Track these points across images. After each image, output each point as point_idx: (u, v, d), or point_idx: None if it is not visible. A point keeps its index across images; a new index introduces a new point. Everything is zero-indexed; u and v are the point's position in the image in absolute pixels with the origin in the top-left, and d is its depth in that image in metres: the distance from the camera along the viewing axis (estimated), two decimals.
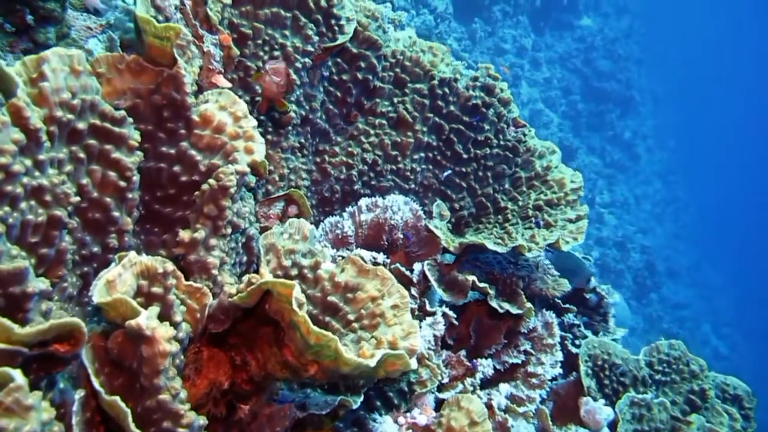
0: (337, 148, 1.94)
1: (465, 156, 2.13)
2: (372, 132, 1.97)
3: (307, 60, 1.70)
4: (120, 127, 1.06)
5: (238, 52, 1.49)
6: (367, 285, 1.33)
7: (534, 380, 2.00)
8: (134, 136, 1.08)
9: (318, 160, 1.93)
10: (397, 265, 1.95)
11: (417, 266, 1.93)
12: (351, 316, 1.30)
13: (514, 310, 1.91)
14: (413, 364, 1.10)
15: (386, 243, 1.98)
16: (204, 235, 1.11)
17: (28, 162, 0.89)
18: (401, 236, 1.97)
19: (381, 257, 1.86)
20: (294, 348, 1.07)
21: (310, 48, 1.69)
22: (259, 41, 1.62)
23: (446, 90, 2.01)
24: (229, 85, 1.40)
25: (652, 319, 10.72)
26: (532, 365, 2.04)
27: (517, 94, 9.60)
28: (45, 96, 0.94)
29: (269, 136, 1.70)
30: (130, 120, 1.08)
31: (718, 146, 24.03)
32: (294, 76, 1.62)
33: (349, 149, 1.94)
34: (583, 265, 2.43)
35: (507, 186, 2.27)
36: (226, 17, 1.50)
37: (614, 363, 2.45)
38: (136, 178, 1.09)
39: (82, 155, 1.03)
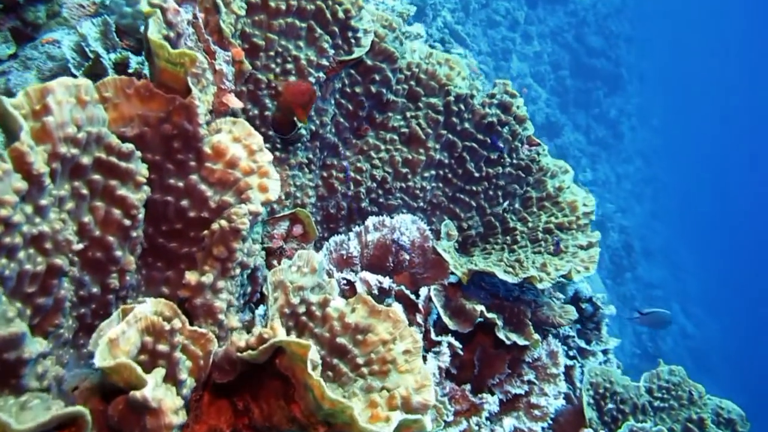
0: (345, 163, 1.88)
1: (477, 175, 2.08)
2: (383, 147, 1.91)
3: (321, 74, 1.63)
4: (127, 162, 0.99)
5: (251, 67, 1.43)
6: (379, 327, 1.28)
7: (537, 412, 1.97)
8: (141, 171, 1.02)
9: (325, 174, 1.86)
10: (402, 288, 1.90)
11: (423, 291, 1.89)
12: (360, 360, 1.25)
13: (521, 342, 1.87)
14: (428, 425, 1.05)
15: (392, 265, 1.93)
16: (212, 279, 1.05)
17: (29, 209, 0.83)
18: (407, 258, 1.92)
19: (387, 281, 1.81)
20: (304, 407, 1.02)
21: (324, 62, 1.62)
22: (272, 53, 1.55)
23: (461, 106, 1.95)
24: (241, 105, 1.34)
25: (625, 298, 10.86)
26: (535, 395, 2.00)
27: (507, 68, 9.57)
28: (49, 131, 0.87)
29: (277, 153, 1.64)
30: (138, 154, 1.01)
31: (700, 127, 24.32)
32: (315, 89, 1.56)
33: (358, 165, 1.88)
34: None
35: (517, 206, 2.22)
36: (239, 28, 1.43)
37: (615, 391, 2.43)
38: (141, 215, 1.03)
39: (84, 191, 0.96)
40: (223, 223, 1.04)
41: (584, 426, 2.17)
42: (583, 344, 2.59)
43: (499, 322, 1.84)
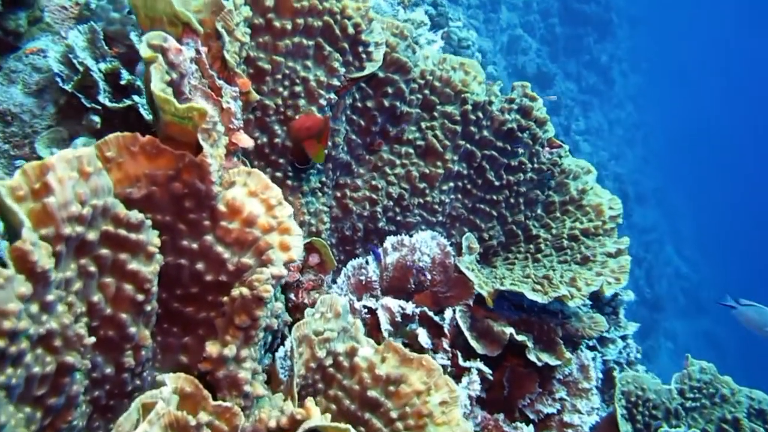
0: (359, 181, 1.80)
1: (497, 183, 2.00)
2: (398, 162, 1.84)
3: (332, 96, 1.55)
4: (137, 233, 0.92)
5: (258, 97, 1.34)
6: (412, 377, 1.22)
7: (570, 431, 1.92)
8: (153, 241, 0.94)
9: (338, 194, 1.79)
10: (425, 309, 1.84)
11: (448, 313, 1.82)
12: (393, 414, 1.20)
13: (553, 362, 1.81)
14: None
15: (413, 286, 1.86)
16: (235, 351, 0.99)
17: (35, 308, 0.76)
18: (429, 278, 1.86)
19: (410, 307, 1.74)
20: None
21: (335, 81, 1.53)
22: (279, 76, 1.47)
23: (480, 114, 1.87)
24: (252, 143, 1.26)
25: None
26: (567, 413, 1.95)
27: (497, 19, 9.44)
28: (51, 213, 0.80)
29: (289, 181, 1.56)
30: (149, 223, 0.94)
31: (690, 70, 24.21)
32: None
33: (373, 182, 1.81)
34: None
35: (539, 212, 2.15)
36: (243, 55, 1.35)
37: (648, 398, 2.38)
38: (155, 288, 0.96)
39: (92, 269, 0.89)
40: (245, 291, 0.97)
41: None
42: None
43: (530, 344, 1.78)
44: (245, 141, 1.25)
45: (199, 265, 1.03)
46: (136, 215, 0.92)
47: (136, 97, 1.49)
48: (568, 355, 1.84)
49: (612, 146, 12.75)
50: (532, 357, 1.78)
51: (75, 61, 1.64)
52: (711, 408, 2.66)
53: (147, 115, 1.45)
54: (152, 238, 0.94)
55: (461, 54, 4.78)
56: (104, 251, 0.90)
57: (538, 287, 1.80)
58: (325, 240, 1.75)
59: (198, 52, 1.19)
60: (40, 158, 1.33)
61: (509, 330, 1.75)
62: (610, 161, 11.73)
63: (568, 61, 11.48)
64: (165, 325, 1.08)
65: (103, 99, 1.50)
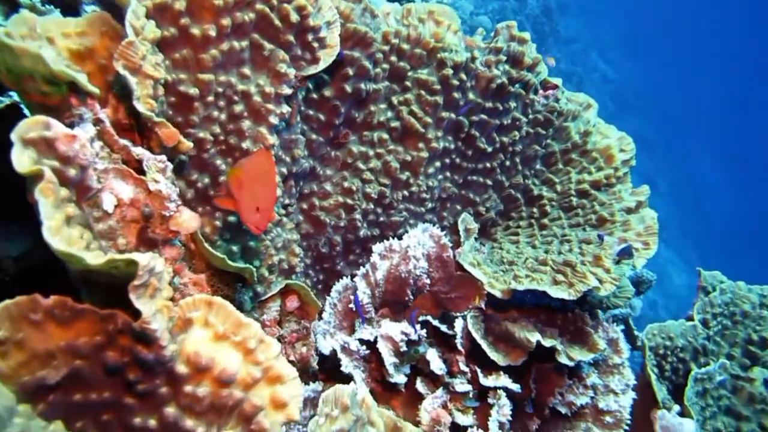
0: (328, 186, 1.53)
1: (489, 149, 1.75)
2: (371, 153, 1.56)
3: (284, 109, 1.24)
4: None
5: (190, 145, 1.05)
6: None
7: (608, 419, 1.78)
8: None
9: (305, 206, 1.52)
10: (429, 319, 1.63)
11: (458, 324, 1.62)
12: None
13: (587, 358, 1.64)
14: None
15: (412, 296, 1.64)
16: None
17: None
18: (428, 282, 1.63)
19: (414, 331, 1.53)
20: None
21: (285, 89, 1.23)
22: (210, 98, 1.16)
23: (462, 76, 1.59)
24: (198, 223, 0.98)
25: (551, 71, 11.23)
26: (601, 397, 1.81)
27: None
28: None
29: None
30: None
31: None
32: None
33: (345, 185, 1.54)
34: None
35: (539, 166, 1.91)
36: (159, 93, 1.03)
37: (676, 346, 2.27)
38: None
39: None
40: None
41: (657, 408, 2.01)
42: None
43: (560, 347, 1.60)
44: (189, 224, 0.97)
45: None
46: None
47: None
48: (602, 344, 1.67)
49: None
50: (563, 360, 1.61)
51: None
52: (733, 328, 2.59)
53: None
54: None
55: None
56: None
57: (561, 278, 1.60)
58: (300, 271, 1.50)
59: (99, 120, 0.89)
60: None
61: (535, 337, 1.56)
62: None
63: None
64: None
65: None
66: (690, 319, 2.54)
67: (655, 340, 2.20)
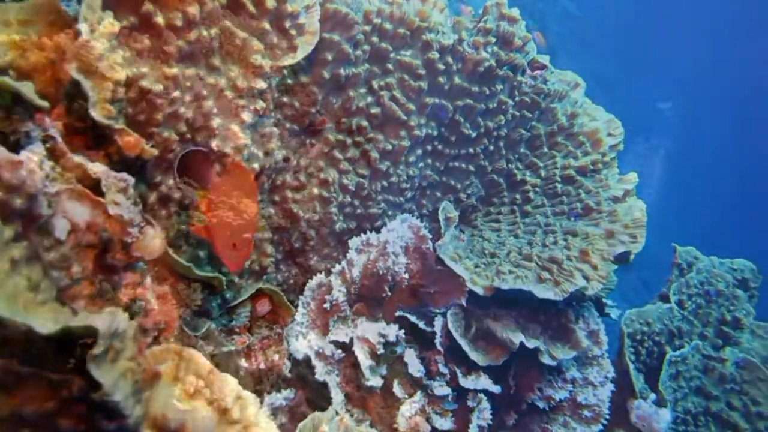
0: (302, 177, 1.44)
1: (474, 135, 1.66)
2: (349, 142, 1.47)
3: (259, 104, 1.14)
4: None
5: (155, 152, 0.95)
6: None
7: (586, 413, 1.76)
8: None
9: (277, 198, 1.42)
10: (407, 315, 1.57)
11: (438, 323, 1.56)
12: None
13: (570, 356, 1.60)
14: None
15: (389, 293, 1.57)
16: None
17: None
18: (407, 277, 1.57)
19: (392, 332, 1.46)
20: None
21: (259, 83, 1.12)
22: (176, 93, 1.05)
23: (449, 59, 1.49)
24: (162, 248, 0.89)
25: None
26: (580, 389, 1.78)
27: None
28: None
29: None
30: None
31: None
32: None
33: (321, 176, 1.44)
34: None
35: (522, 150, 1.84)
36: (118, 95, 0.92)
37: (653, 331, 2.26)
38: None
39: None
40: None
41: (634, 397, 2.00)
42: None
43: (543, 347, 1.56)
44: (153, 248, 0.88)
45: None
46: None
47: None
48: (585, 342, 1.64)
49: None
50: (546, 360, 1.57)
51: None
52: (707, 307, 2.59)
53: None
54: None
55: None
56: None
57: (546, 275, 1.55)
58: (272, 271, 1.42)
59: (50, 137, 0.78)
60: None
61: (519, 338, 1.51)
62: None
63: None
64: None
65: None
66: (664, 298, 2.55)
67: (633, 326, 2.18)
